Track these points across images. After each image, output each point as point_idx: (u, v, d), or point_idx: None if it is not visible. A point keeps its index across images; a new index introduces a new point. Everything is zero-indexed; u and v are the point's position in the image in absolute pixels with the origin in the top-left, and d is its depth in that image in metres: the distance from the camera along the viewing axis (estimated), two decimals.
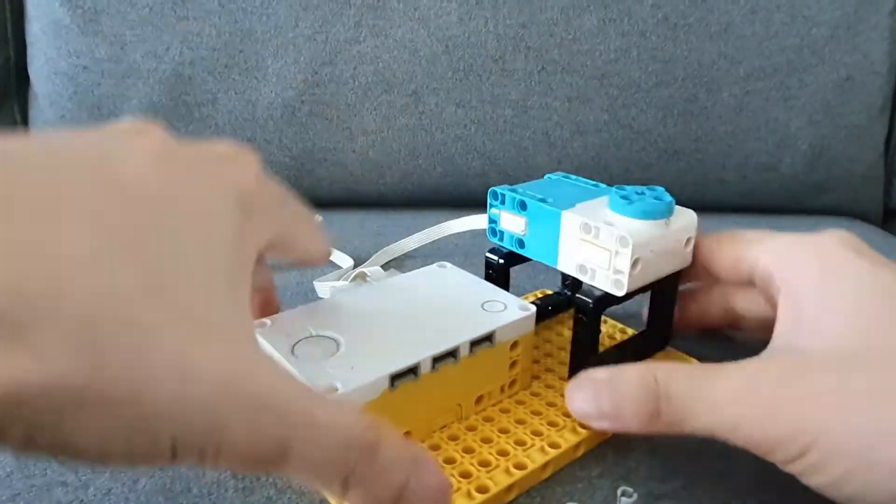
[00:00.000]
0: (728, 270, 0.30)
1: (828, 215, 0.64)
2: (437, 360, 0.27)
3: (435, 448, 0.27)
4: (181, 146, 0.20)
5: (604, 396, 0.26)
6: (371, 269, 0.40)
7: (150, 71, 0.58)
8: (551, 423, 0.29)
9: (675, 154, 0.61)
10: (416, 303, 0.31)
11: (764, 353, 0.25)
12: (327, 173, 0.61)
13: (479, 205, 0.62)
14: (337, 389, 0.24)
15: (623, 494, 0.26)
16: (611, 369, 0.26)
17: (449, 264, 0.35)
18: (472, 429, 0.29)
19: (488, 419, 0.29)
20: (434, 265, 0.35)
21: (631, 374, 0.25)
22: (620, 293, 0.29)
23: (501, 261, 0.34)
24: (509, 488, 0.26)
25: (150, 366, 0.15)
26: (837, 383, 0.22)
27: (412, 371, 0.26)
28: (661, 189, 0.31)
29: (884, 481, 0.20)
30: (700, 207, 0.62)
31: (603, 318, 0.37)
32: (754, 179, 0.62)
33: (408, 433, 0.27)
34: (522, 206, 0.32)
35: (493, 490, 0.25)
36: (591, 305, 0.30)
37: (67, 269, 0.15)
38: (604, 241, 0.28)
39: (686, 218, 0.31)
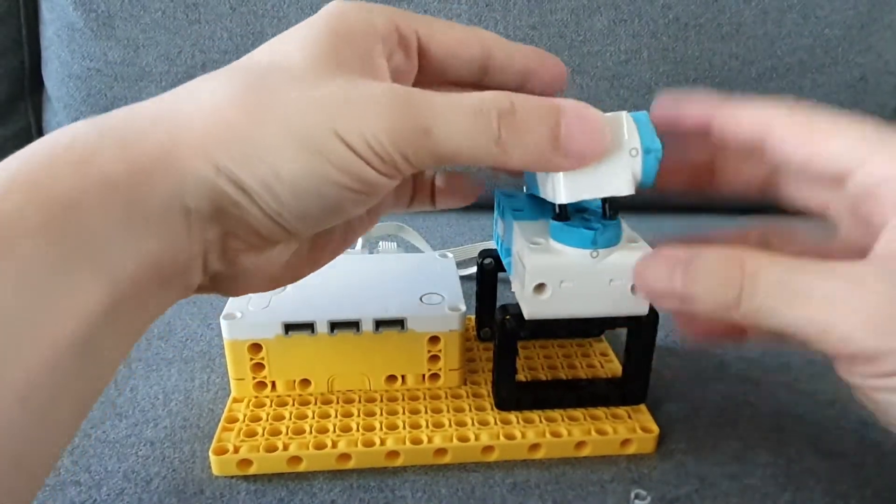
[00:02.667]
0: (808, 164, 0.24)
1: None
2: (335, 325, 0.30)
3: (326, 402, 0.31)
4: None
5: (678, 275, 0.23)
6: (386, 243, 0.41)
7: (163, 74, 0.59)
8: (436, 424, 0.30)
9: None
10: (373, 277, 0.34)
11: (870, 258, 0.22)
12: None
13: (491, 207, 0.62)
14: (236, 317, 0.30)
15: (636, 497, 0.26)
16: (693, 248, 0.23)
17: (451, 255, 0.37)
18: (371, 400, 0.31)
19: (392, 398, 0.31)
20: (437, 253, 0.38)
21: (713, 257, 0.22)
22: (525, 316, 0.26)
23: (489, 262, 0.34)
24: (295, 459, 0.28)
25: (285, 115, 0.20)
26: None
27: (309, 327, 0.30)
28: (617, 220, 0.26)
29: None
30: (713, 208, 0.62)
31: (603, 350, 0.36)
32: None
33: (306, 381, 0.32)
34: (504, 211, 0.31)
35: (278, 451, 0.28)
36: (500, 321, 0.29)
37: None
38: (523, 259, 0.26)
39: (632, 258, 0.25)
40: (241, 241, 0.21)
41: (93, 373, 0.18)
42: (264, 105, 0.20)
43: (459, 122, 0.20)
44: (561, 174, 0.23)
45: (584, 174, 0.23)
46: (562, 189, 0.23)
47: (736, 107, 0.25)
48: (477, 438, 0.29)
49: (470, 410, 0.31)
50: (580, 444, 0.29)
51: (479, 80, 0.26)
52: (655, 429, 0.30)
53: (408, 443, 0.28)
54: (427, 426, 0.29)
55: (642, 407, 0.31)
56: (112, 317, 0.18)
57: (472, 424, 0.30)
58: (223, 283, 0.22)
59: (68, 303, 0.17)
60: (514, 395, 0.30)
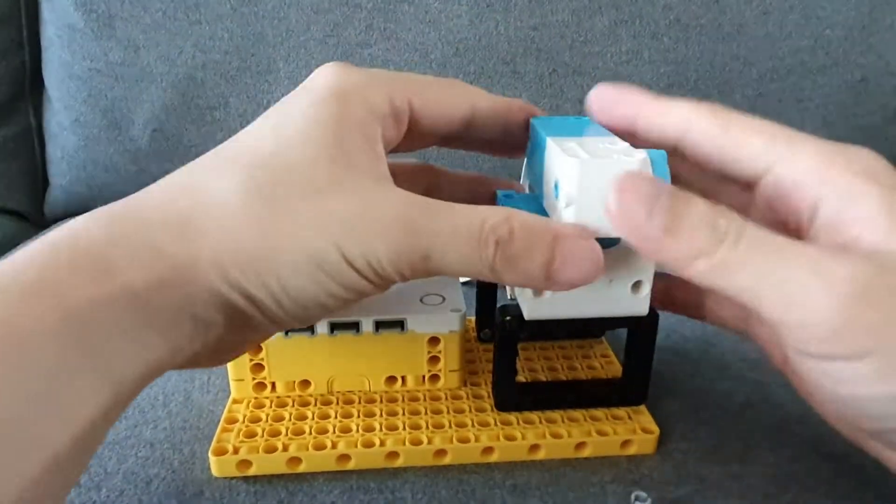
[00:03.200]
0: (724, 162, 0.25)
1: None
2: (335, 326, 0.30)
3: (326, 402, 0.31)
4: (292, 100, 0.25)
5: (660, 206, 0.21)
6: None
7: (163, 74, 0.59)
8: (436, 425, 0.30)
9: None
10: None
11: (830, 249, 0.22)
12: None
13: None
14: None
15: (637, 499, 0.26)
16: (675, 187, 0.22)
17: None
18: (370, 401, 0.31)
19: (392, 399, 0.31)
20: None
21: (703, 201, 0.22)
22: (525, 317, 0.27)
23: None
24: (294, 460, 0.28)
25: (291, 224, 0.21)
26: None
27: (308, 328, 0.30)
28: None
29: None
30: None
31: (603, 352, 0.35)
32: None
33: (306, 382, 0.32)
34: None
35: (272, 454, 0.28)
36: (500, 322, 0.28)
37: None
38: None
39: (632, 258, 0.25)
40: (236, 340, 0.23)
41: (83, 463, 0.20)
42: (277, 221, 0.21)
43: (458, 249, 0.21)
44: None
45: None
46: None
47: (658, 106, 0.26)
48: (477, 439, 0.29)
49: (470, 411, 0.30)
50: (580, 445, 0.29)
51: (463, 134, 0.28)
52: (656, 429, 0.29)
53: (407, 443, 0.28)
54: (427, 427, 0.29)
55: (642, 408, 0.31)
56: (109, 416, 0.19)
57: (472, 425, 0.29)
58: (190, 363, 0.23)
59: (72, 411, 0.18)
60: (513, 397, 0.30)
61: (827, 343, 0.20)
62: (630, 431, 0.29)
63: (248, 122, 0.25)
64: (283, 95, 0.25)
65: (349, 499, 0.27)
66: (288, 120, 0.23)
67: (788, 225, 0.24)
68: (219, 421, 0.30)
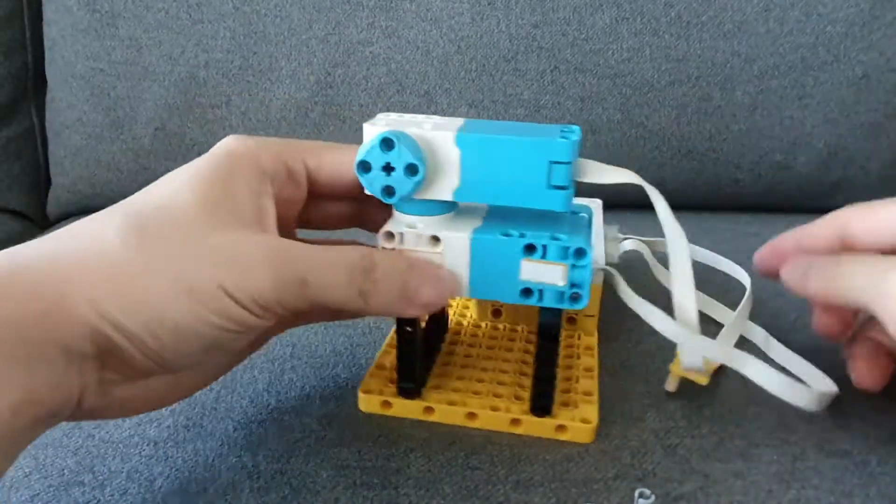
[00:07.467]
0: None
1: None
2: None
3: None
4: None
5: (813, 274, 0.30)
6: None
7: (166, 73, 0.59)
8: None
9: (688, 153, 0.61)
10: None
11: None
12: None
13: None
14: None
15: (640, 496, 0.26)
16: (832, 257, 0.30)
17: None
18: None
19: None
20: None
21: (852, 259, 0.29)
22: None
23: None
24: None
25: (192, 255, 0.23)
26: None
27: None
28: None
29: None
30: (714, 207, 0.62)
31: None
32: (769, 179, 0.62)
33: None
34: None
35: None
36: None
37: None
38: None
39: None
40: (118, 375, 0.23)
41: None
42: (155, 256, 0.22)
43: (332, 275, 0.24)
44: None
45: None
46: None
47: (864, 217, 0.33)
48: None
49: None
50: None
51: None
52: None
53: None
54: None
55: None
56: None
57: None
58: (97, 412, 0.24)
59: None
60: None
61: None
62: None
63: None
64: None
65: (352, 495, 0.27)
66: (179, 176, 0.25)
67: None
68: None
